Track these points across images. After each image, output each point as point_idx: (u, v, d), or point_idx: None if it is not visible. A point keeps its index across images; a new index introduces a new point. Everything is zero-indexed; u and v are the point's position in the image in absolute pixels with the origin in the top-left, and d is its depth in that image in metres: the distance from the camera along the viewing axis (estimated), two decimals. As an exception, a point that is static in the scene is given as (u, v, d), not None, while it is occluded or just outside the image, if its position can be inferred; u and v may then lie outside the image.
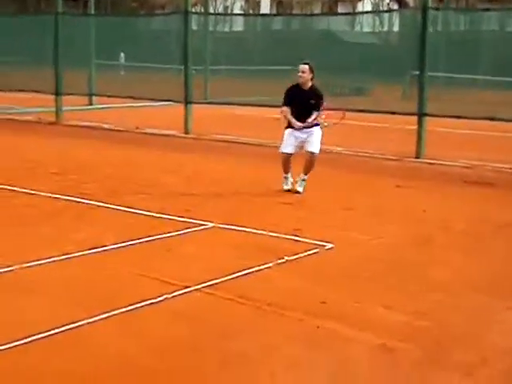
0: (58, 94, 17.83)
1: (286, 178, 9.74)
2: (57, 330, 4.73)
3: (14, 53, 20.17)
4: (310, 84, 9.56)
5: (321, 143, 9.66)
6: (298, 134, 9.59)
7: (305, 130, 9.54)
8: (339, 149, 13.61)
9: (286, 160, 9.71)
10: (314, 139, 9.55)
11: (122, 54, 24.49)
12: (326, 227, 7.75)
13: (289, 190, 9.63)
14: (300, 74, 9.49)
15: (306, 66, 9.45)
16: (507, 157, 12.74)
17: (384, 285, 5.95)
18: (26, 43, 19.40)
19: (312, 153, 9.53)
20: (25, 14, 33.60)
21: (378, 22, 35.94)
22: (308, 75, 9.46)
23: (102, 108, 21.18)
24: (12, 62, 20.67)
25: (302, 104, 9.52)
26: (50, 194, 9.05)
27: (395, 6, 55.38)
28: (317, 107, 9.52)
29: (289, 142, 9.67)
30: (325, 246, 6.94)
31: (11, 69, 20.50)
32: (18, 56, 20.44)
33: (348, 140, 14.52)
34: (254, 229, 7.48)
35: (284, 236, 7.25)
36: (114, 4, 56.56)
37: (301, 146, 9.63)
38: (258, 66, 24.79)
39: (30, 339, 4.58)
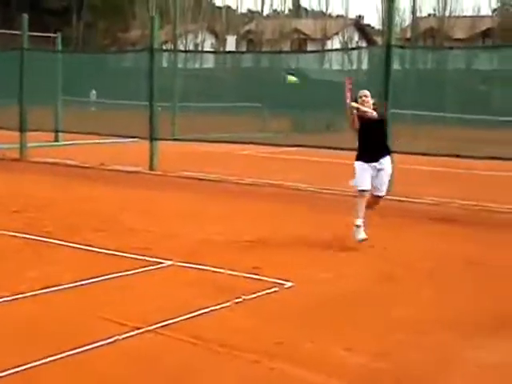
0: (22, 130, 17.64)
1: (358, 226, 8.45)
2: (4, 373, 4.55)
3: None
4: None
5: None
6: (370, 166, 8.56)
7: (377, 159, 8.57)
8: (302, 185, 13.57)
9: (363, 199, 8.52)
10: (386, 178, 8.67)
11: (94, 91, 24.44)
12: (287, 265, 7.63)
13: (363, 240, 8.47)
14: (364, 98, 8.53)
15: (368, 92, 8.61)
16: (472, 193, 12.77)
17: (344, 324, 5.82)
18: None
19: (381, 197, 8.78)
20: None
21: (347, 60, 36.31)
22: (370, 99, 8.55)
23: (68, 144, 21.01)
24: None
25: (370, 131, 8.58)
26: (8, 232, 8.86)
27: (364, 44, 56.16)
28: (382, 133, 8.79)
29: (365, 176, 8.53)
30: (284, 284, 6.81)
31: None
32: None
33: (311, 176, 14.50)
34: (213, 267, 7.34)
35: (243, 274, 7.11)
36: (85, 41, 56.73)
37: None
38: (228, 103, 24.85)
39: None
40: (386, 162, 8.72)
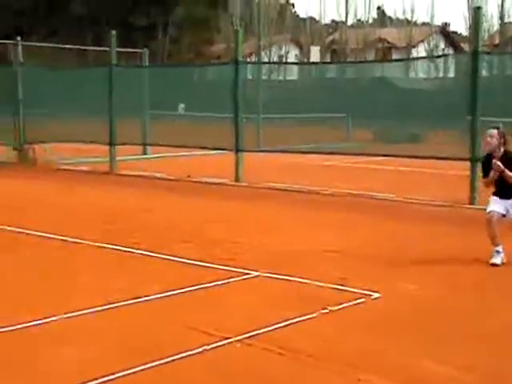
0: (112, 144, 18.09)
1: (498, 251, 8.11)
2: (96, 382, 4.67)
3: (72, 104, 20.63)
4: (500, 151, 8.32)
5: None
6: (503, 203, 8.29)
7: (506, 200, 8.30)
8: (391, 195, 13.42)
9: (491, 223, 8.12)
10: None
11: (182, 105, 24.79)
12: (373, 276, 7.57)
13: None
14: (488, 139, 8.36)
15: (495, 131, 8.30)
16: None
17: (432, 336, 5.73)
18: (84, 94, 19.85)
19: None
20: (83, 67, 34.51)
21: (432, 68, 35.79)
22: (495, 141, 8.26)
23: (156, 157, 21.41)
24: (70, 114, 21.14)
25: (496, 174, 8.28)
26: (97, 244, 9.09)
27: (450, 51, 55.24)
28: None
29: (496, 203, 8.26)
30: (371, 295, 6.76)
31: (70, 120, 20.94)
32: (77, 107, 20.90)
33: (399, 186, 14.34)
34: (299, 278, 7.35)
35: (329, 285, 7.09)
36: (170, 55, 57.74)
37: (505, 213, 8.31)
38: (312, 114, 24.82)
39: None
40: None
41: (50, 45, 35.61)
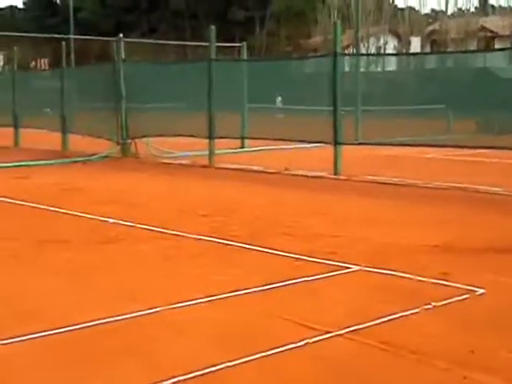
0: (211, 137, 18.30)
1: None
2: (198, 373, 4.73)
3: (172, 99, 21.01)
4: None
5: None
6: None
7: None
8: (497, 189, 13.04)
9: None
10: None
11: (280, 98, 24.85)
12: (477, 271, 7.38)
13: None
14: None
15: None
16: None
17: (541, 334, 5.55)
18: (183, 89, 20.16)
19: None
20: (182, 62, 35.07)
21: (537, 57, 34.56)
22: None
23: (254, 151, 21.54)
24: (171, 108, 21.54)
25: None
26: (197, 236, 9.21)
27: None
28: None
29: None
30: (476, 291, 6.59)
31: (170, 114, 21.34)
32: (177, 102, 21.27)
33: (500, 179, 13.93)
34: (401, 272, 7.24)
35: (432, 280, 6.96)
36: (268, 49, 58.00)
37: None
38: (411, 106, 24.44)
39: (173, 380, 4.61)
40: None
41: (151, 41, 36.38)
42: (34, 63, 66.19)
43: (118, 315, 5.91)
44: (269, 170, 16.74)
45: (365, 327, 5.61)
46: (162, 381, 4.59)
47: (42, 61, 65.96)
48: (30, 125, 24.87)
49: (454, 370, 4.79)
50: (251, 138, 21.14)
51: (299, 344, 5.24)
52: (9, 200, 12.42)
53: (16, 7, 79.15)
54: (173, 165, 18.76)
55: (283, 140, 18.93)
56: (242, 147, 22.32)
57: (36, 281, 7.26)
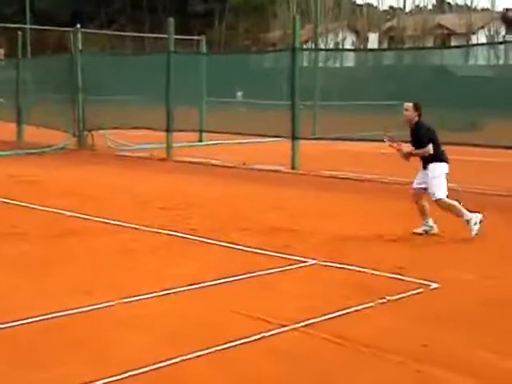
0: (168, 130, 18.20)
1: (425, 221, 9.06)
2: (152, 367, 4.70)
3: (130, 91, 20.84)
4: (414, 121, 9.27)
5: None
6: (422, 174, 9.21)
7: (424, 170, 9.15)
8: (451, 184, 13.16)
9: (412, 198, 9.30)
10: (429, 181, 9.06)
11: (239, 93, 24.79)
12: (431, 266, 7.46)
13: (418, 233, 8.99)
14: (404, 112, 9.29)
15: (410, 104, 9.21)
16: None
17: (493, 328, 5.63)
18: (141, 82, 20.00)
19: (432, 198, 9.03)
20: (141, 54, 34.78)
21: (493, 55, 35.09)
22: (411, 113, 9.18)
23: (212, 144, 21.48)
24: (128, 101, 21.37)
25: (412, 142, 9.36)
26: (155, 229, 9.16)
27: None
28: (420, 145, 9.17)
29: (416, 179, 9.30)
30: (429, 285, 6.66)
31: (127, 107, 21.17)
32: (134, 94, 21.10)
33: (460, 175, 14.07)
34: (357, 266, 7.29)
35: (387, 274, 7.01)
36: (227, 43, 57.84)
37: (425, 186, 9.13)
38: (368, 101, 24.59)
39: (124, 375, 4.57)
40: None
41: (109, 32, 35.98)
42: (-11, 53, 65.21)
43: (72, 309, 5.85)
44: (227, 164, 16.72)
45: (320, 321, 5.62)
46: (115, 375, 4.55)
47: (-2, 51, 65.00)
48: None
49: (408, 363, 4.83)
50: (209, 132, 21.08)
51: (254, 338, 5.24)
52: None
53: (-29, -4, 77.73)
54: (130, 157, 18.63)
55: (241, 134, 18.91)
56: (201, 141, 22.25)
57: (-12, 274, 7.14)
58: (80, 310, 5.86)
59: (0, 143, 20.86)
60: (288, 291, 6.56)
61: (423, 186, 9.10)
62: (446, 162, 9.15)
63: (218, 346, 5.06)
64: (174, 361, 4.81)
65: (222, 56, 27.47)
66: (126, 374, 4.58)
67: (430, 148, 9.04)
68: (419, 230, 9.01)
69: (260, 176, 15.24)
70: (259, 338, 5.24)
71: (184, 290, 6.47)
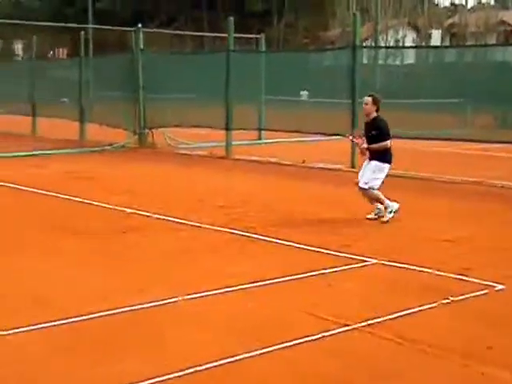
0: (228, 128, 18.26)
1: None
2: (215, 364, 4.73)
3: (190, 90, 20.96)
4: (372, 116, 9.64)
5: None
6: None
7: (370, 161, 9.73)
8: (506, 183, 12.94)
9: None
10: (365, 172, 9.73)
11: (304, 91, 24.65)
12: (496, 267, 7.33)
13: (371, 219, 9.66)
14: (363, 105, 9.68)
15: (369, 98, 9.53)
16: None
17: (559, 331, 5.50)
18: (201, 80, 20.09)
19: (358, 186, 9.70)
20: (201, 52, 34.98)
21: (557, 52, 34.24)
22: (370, 107, 9.49)
23: (271, 142, 21.47)
24: (188, 99, 21.50)
25: (366, 135, 9.72)
26: (215, 227, 9.20)
27: None
28: (377, 139, 9.55)
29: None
30: (495, 286, 6.54)
31: (187, 105, 21.30)
32: (194, 93, 21.21)
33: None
34: (419, 266, 7.20)
35: (450, 275, 6.91)
36: (286, 41, 57.80)
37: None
38: (429, 99, 24.27)
39: (188, 371, 4.60)
40: None
41: (169, 31, 36.24)
42: (52, 53, 66.31)
43: (133, 305, 5.91)
44: (286, 162, 16.69)
45: (382, 321, 5.58)
46: (178, 371, 4.58)
47: (61, 50, 66.03)
48: (48, 114, 24.90)
49: (472, 365, 4.76)
50: (268, 130, 21.05)
51: (317, 336, 5.23)
52: (26, 188, 12.46)
53: (35, -3, 79.25)
54: (190, 155, 18.75)
55: (301, 132, 18.83)
56: (260, 139, 22.26)
57: (50, 267, 7.27)
58: (141, 306, 5.93)
59: (64, 142, 21.28)
60: (350, 290, 6.53)
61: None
62: (390, 163, 9.77)
63: (278, 344, 5.06)
64: (236, 357, 4.83)
65: (281, 54, 27.41)
66: (191, 370, 4.61)
67: (388, 142, 9.58)
68: (371, 216, 9.68)
69: (319, 174, 15.18)
70: (322, 337, 5.23)
71: (246, 288, 6.48)
